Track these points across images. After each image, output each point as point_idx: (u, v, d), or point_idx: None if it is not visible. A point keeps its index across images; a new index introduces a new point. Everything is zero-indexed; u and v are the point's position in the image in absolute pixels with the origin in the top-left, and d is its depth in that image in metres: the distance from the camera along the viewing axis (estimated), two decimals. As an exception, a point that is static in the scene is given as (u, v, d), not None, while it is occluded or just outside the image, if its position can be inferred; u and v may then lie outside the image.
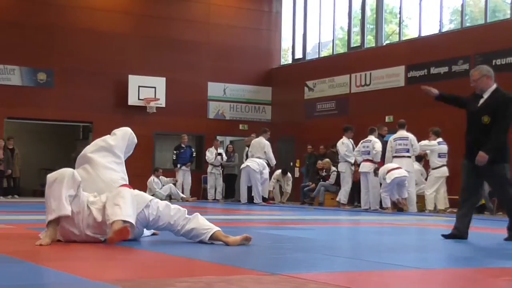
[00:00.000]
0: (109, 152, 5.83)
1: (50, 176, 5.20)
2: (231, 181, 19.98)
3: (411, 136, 14.30)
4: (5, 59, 19.37)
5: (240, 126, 22.40)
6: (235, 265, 4.28)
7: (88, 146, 5.90)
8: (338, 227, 9.32)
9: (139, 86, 20.57)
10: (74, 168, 5.54)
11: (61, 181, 5.11)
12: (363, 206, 15.05)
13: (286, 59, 23.69)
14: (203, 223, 5.48)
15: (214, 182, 19.61)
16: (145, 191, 20.03)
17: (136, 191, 5.49)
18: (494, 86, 6.74)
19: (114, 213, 5.10)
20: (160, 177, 19.16)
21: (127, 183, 5.70)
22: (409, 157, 14.30)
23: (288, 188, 19.26)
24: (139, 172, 20.47)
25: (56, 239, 5.15)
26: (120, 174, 5.77)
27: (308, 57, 22.52)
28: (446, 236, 6.78)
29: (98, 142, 5.89)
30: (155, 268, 4.06)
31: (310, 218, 10.99)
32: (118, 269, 4.03)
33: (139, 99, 20.53)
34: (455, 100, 7.02)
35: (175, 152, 19.48)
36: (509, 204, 6.73)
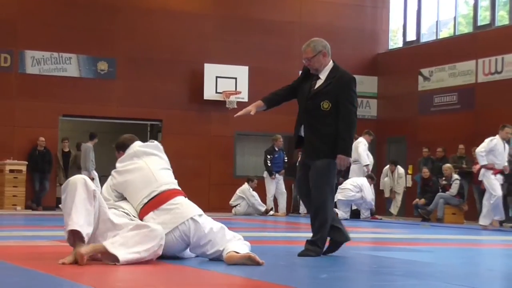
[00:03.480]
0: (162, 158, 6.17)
1: (62, 188, 5.50)
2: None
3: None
4: (60, 46, 19.92)
5: (339, 125, 22.25)
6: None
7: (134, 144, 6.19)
8: (462, 248, 9.15)
9: (216, 77, 20.77)
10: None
11: (73, 192, 5.35)
12: None
13: (395, 42, 23.44)
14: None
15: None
16: (226, 204, 20.13)
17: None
18: (331, 63, 6.68)
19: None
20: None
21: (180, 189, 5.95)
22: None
23: (399, 188, 19.19)
24: (215, 179, 20.75)
25: (83, 256, 5.27)
26: (175, 180, 6.03)
27: (423, 39, 22.21)
28: None
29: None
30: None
31: (425, 238, 10.88)
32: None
33: (216, 92, 20.73)
34: (283, 95, 6.84)
35: (269, 157, 19.42)
36: (320, 203, 6.53)
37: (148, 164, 5.91)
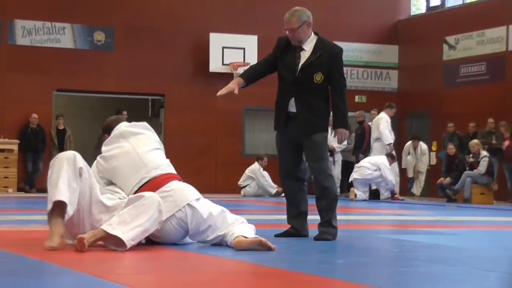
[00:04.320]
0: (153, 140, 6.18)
1: (50, 164, 5.54)
2: (348, 170, 19.83)
3: None
4: (52, 15, 19.93)
5: (356, 98, 22.27)
6: (353, 280, 4.30)
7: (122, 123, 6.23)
8: (491, 231, 9.16)
9: (223, 47, 20.75)
10: None
11: (60, 166, 5.40)
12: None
13: (418, 7, 23.36)
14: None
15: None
16: (235, 185, 20.19)
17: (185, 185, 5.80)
18: (313, 34, 6.82)
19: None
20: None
21: (174, 172, 5.97)
22: None
23: (422, 166, 19.18)
24: (222, 159, 20.79)
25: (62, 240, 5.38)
26: (167, 160, 6.04)
27: (448, 4, 22.12)
28: None
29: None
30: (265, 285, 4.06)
31: (451, 220, 10.91)
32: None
33: (223, 64, 20.72)
34: (262, 71, 6.93)
35: None
36: (325, 180, 6.66)
37: (135, 147, 5.91)
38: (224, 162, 20.75)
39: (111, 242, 5.32)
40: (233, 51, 20.78)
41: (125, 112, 19.71)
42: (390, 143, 17.88)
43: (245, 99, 20.26)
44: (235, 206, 13.89)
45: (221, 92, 6.65)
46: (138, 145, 5.95)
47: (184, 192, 5.73)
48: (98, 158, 6.02)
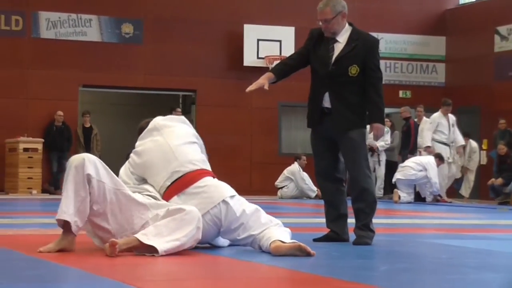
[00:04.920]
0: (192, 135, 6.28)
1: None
2: (392, 170, 19.72)
3: None
4: (78, 7, 20.04)
5: (400, 93, 22.20)
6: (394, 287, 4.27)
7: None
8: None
9: (258, 40, 20.77)
10: None
11: (67, 175, 5.56)
12: None
13: (467, -5, 23.24)
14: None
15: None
16: (271, 186, 20.09)
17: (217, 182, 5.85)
18: (348, 25, 6.83)
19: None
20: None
21: (209, 168, 6.01)
22: None
23: (472, 165, 19.05)
24: (257, 158, 20.80)
25: (67, 248, 5.47)
26: (201, 155, 6.08)
27: (500, -8, 21.98)
28: None
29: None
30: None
31: (503, 224, 10.84)
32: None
33: (258, 57, 20.74)
34: (294, 65, 6.94)
35: None
36: (364, 181, 6.64)
37: (168, 140, 5.97)
38: (259, 162, 20.76)
39: (143, 251, 5.37)
40: (268, 43, 20.79)
41: (179, 109, 19.69)
42: (428, 146, 17.66)
43: (281, 95, 20.32)
44: (271, 208, 13.89)
45: (250, 88, 6.69)
46: (172, 137, 6.01)
47: (218, 189, 5.78)
48: (131, 154, 6.09)
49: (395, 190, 17.51)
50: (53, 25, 19.72)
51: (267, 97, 20.60)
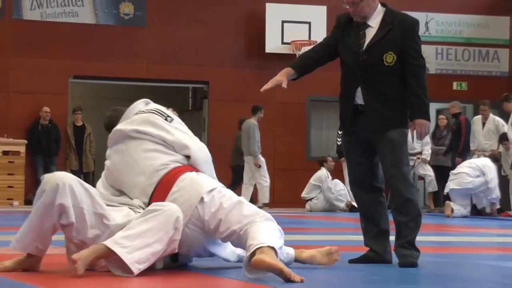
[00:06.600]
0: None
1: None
2: (443, 178, 19.65)
3: None
4: (69, -17, 20.12)
5: (455, 85, 22.19)
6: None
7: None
8: None
9: (283, 22, 20.80)
10: None
11: (36, 199, 5.63)
12: None
13: (534, -32, 23.21)
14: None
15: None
16: (297, 197, 20.04)
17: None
18: (380, 6, 6.78)
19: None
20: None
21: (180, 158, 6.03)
22: None
23: None
24: (281, 164, 20.75)
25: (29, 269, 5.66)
26: (166, 158, 6.02)
27: None
28: None
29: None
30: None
31: None
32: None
33: (283, 42, 20.76)
34: (318, 58, 6.94)
35: (340, 133, 19.43)
36: (406, 190, 6.61)
37: (131, 150, 6.03)
38: (284, 168, 20.74)
39: (116, 265, 5.38)
40: (295, 26, 20.84)
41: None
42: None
43: (311, 87, 20.32)
44: (298, 223, 13.92)
45: (266, 86, 6.69)
46: (135, 146, 6.04)
47: (195, 186, 5.77)
48: (106, 162, 6.17)
49: (447, 202, 17.41)
50: (38, 4, 19.77)
51: (294, 90, 20.61)
